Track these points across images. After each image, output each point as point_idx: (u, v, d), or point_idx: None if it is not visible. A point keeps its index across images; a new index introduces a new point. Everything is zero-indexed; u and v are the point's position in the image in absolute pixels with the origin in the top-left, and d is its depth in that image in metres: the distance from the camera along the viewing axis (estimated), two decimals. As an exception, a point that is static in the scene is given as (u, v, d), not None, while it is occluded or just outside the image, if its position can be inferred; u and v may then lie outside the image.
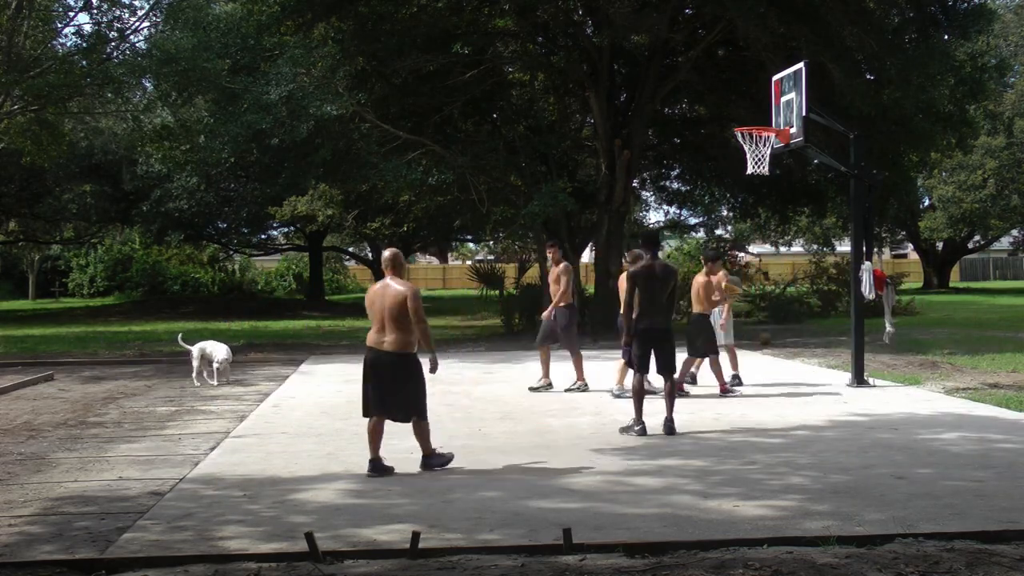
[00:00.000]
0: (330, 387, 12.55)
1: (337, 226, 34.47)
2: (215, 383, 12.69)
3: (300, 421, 9.74)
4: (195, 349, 13.03)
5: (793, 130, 11.86)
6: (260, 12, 18.35)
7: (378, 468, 7.19)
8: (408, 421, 7.36)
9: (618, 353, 11.48)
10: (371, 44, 19.29)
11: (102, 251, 44.39)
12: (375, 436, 7.26)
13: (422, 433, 7.38)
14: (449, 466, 7.39)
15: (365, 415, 7.37)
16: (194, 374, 12.92)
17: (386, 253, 7.45)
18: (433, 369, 7.46)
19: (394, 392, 7.22)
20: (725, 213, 37.19)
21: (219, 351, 12.84)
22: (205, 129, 18.34)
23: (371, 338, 7.28)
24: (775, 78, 12.44)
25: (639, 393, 8.87)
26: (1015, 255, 58.70)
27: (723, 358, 11.86)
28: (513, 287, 27.13)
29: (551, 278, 12.33)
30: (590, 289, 24.40)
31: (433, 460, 7.37)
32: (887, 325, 12.76)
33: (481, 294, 31.76)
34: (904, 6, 19.76)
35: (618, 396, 11.02)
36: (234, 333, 23.14)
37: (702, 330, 11.44)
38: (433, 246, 50.15)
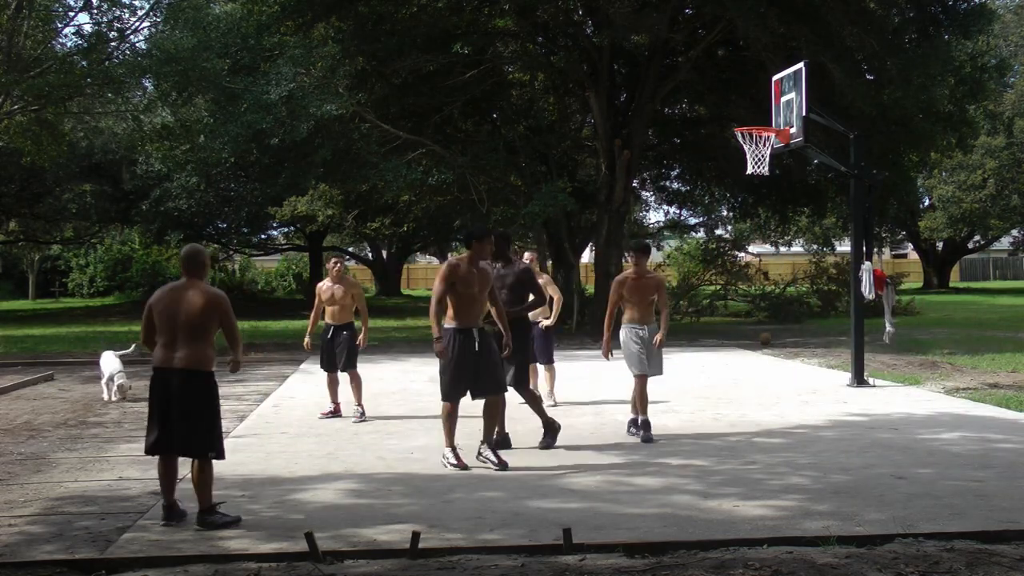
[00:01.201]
0: (330, 387, 12.53)
1: (337, 226, 34.47)
2: (115, 398, 11.38)
3: (300, 421, 9.74)
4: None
5: (793, 130, 11.86)
6: (260, 12, 18.36)
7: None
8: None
9: (617, 353, 11.39)
10: (371, 44, 19.30)
11: (102, 251, 44.37)
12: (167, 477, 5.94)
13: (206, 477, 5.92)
14: (446, 471, 7.38)
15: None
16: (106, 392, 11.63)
17: (185, 249, 6.19)
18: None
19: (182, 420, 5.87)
20: (725, 213, 37.20)
21: (110, 365, 11.62)
22: (205, 129, 18.35)
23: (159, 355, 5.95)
24: (775, 78, 12.44)
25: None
26: (1015, 255, 58.69)
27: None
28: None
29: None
30: (590, 289, 24.41)
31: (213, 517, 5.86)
32: (887, 325, 12.76)
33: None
34: (904, 6, 19.78)
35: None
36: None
37: None
38: (433, 246, 50.16)
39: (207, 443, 5.92)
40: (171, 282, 6.18)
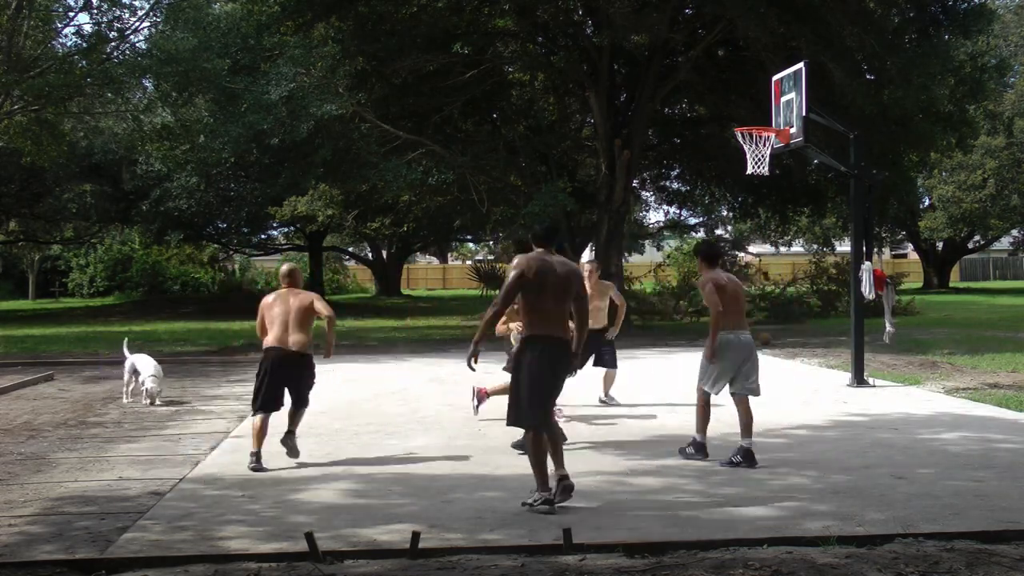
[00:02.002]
0: (330, 387, 12.52)
1: (337, 226, 34.49)
2: (145, 402, 10.98)
3: (300, 421, 9.72)
4: (127, 362, 11.45)
5: (793, 130, 11.86)
6: (260, 12, 18.36)
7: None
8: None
9: (625, 352, 11.46)
10: (371, 44, 19.30)
11: (102, 251, 44.38)
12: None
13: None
14: (446, 471, 7.38)
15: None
16: (126, 391, 11.36)
17: (283, 268, 8.00)
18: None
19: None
20: (725, 213, 37.23)
21: (146, 367, 11.20)
22: (205, 129, 18.35)
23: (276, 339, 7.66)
24: (775, 78, 12.44)
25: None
26: (1015, 255, 58.69)
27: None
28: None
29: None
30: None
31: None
32: (887, 325, 12.75)
33: (481, 294, 31.75)
34: (904, 6, 19.79)
35: None
36: (234, 333, 23.14)
37: None
38: (433, 246, 50.20)
39: (307, 398, 7.88)
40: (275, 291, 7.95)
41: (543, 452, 6.02)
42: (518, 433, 6.67)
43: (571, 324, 6.35)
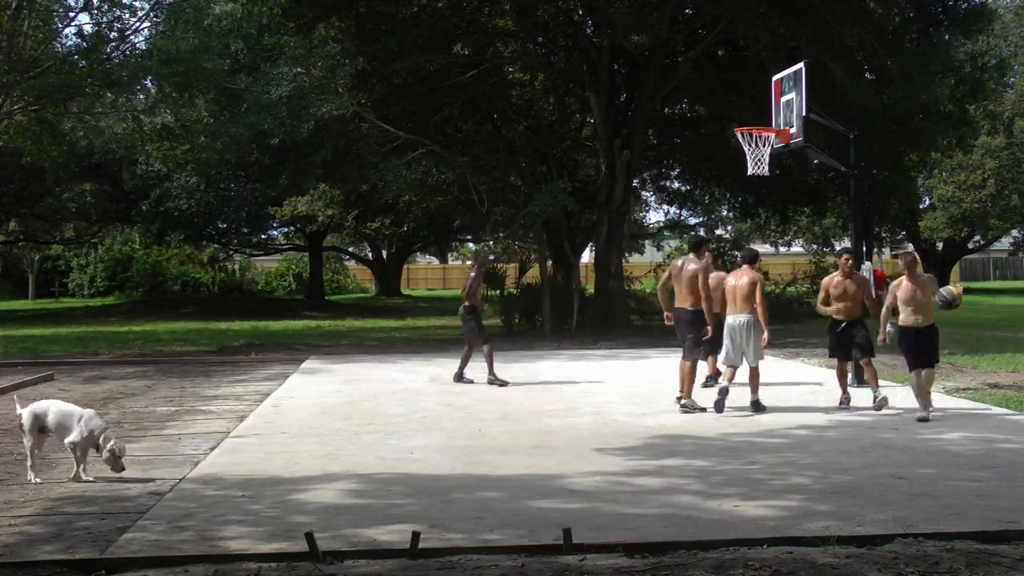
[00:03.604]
0: (330, 387, 12.55)
1: (337, 226, 34.48)
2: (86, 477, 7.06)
3: (300, 421, 9.73)
4: (26, 415, 7.19)
5: (793, 130, 11.87)
6: (260, 13, 18.36)
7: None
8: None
9: (625, 352, 11.53)
10: (371, 44, 19.30)
11: (102, 251, 44.38)
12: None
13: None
14: (446, 471, 7.39)
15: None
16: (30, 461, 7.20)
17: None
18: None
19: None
20: (725, 213, 37.21)
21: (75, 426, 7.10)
22: (206, 129, 18.35)
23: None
24: (775, 78, 12.45)
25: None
26: (1015, 255, 58.65)
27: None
28: (513, 287, 27.16)
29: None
30: (590, 289, 24.42)
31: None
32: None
33: (483, 294, 31.45)
34: (905, 6, 19.79)
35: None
36: (234, 333, 23.15)
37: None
38: (433, 246, 50.18)
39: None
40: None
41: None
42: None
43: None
